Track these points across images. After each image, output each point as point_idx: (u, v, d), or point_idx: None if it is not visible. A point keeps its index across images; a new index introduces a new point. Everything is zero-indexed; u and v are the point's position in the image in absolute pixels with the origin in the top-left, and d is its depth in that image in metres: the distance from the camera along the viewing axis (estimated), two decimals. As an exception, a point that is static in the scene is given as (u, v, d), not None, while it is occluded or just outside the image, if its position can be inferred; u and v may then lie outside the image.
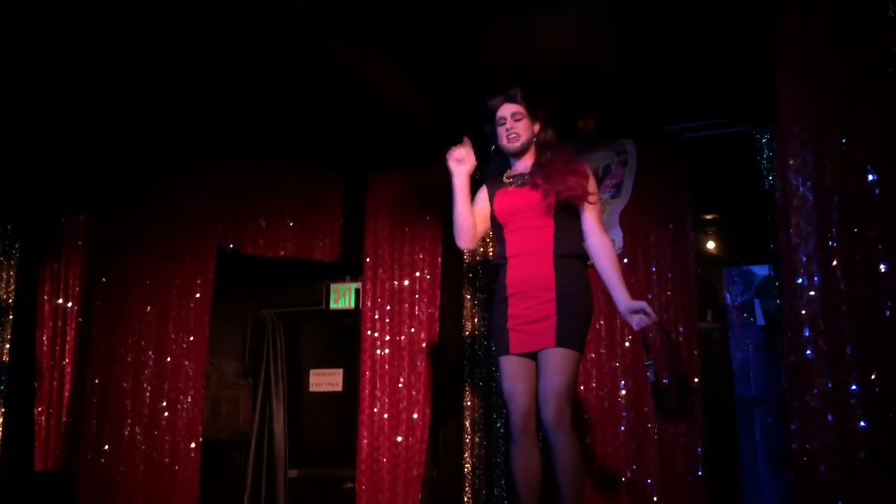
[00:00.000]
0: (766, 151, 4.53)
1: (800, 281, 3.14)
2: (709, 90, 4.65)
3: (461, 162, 3.04)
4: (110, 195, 5.18)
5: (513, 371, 2.97)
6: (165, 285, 5.11)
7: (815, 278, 3.14)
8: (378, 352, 5.36)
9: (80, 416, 4.91)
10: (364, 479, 5.13)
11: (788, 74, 3.26)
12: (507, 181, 3.14)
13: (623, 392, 4.73)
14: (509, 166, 3.21)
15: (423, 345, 5.31)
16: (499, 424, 4.94)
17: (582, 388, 4.82)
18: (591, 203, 3.01)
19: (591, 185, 3.03)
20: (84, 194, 5.50)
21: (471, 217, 3.08)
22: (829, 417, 3.08)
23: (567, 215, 3.02)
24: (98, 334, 4.93)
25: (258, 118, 5.06)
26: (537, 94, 3.19)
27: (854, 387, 3.02)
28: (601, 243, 2.99)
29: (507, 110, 3.13)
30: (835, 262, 3.11)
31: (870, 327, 3.03)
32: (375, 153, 5.51)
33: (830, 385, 3.06)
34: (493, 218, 3.15)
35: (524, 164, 3.15)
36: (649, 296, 4.79)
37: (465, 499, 4.96)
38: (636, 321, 2.87)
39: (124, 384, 4.90)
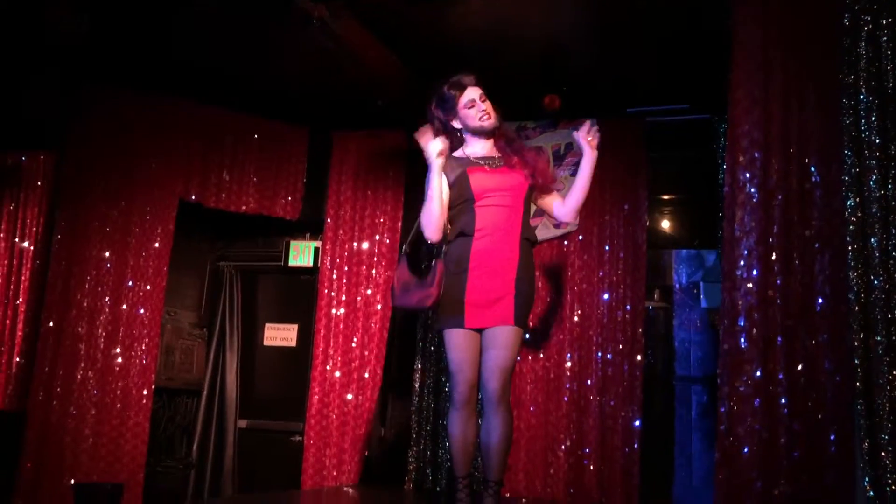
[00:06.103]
0: (724, 140, 4.64)
1: (739, 273, 3.29)
2: (672, 77, 4.76)
3: (441, 154, 3.06)
4: (72, 136, 5.11)
5: (464, 343, 3.08)
6: (125, 233, 5.09)
7: (754, 271, 3.28)
8: (334, 311, 5.45)
9: (32, 358, 4.93)
10: (313, 434, 5.26)
11: (743, 72, 3.36)
12: (479, 162, 3.17)
13: (568, 364, 4.90)
14: (460, 146, 3.25)
15: (379, 307, 5.41)
16: (447, 388, 5.06)
17: (530, 358, 4.98)
18: (557, 189, 3.24)
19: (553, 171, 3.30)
20: (44, 132, 5.43)
21: (444, 212, 3.13)
22: (756, 403, 3.25)
23: (529, 200, 3.17)
24: (55, 277, 4.91)
25: (228, 70, 5.04)
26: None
27: (781, 375, 3.20)
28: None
29: (474, 92, 3.18)
30: (773, 257, 3.26)
31: (800, 321, 3.21)
32: (342, 113, 5.53)
33: (759, 373, 3.23)
34: (462, 191, 3.13)
35: (484, 147, 3.22)
36: (600, 273, 4.95)
37: (410, 458, 5.11)
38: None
39: (79, 328, 4.91)
